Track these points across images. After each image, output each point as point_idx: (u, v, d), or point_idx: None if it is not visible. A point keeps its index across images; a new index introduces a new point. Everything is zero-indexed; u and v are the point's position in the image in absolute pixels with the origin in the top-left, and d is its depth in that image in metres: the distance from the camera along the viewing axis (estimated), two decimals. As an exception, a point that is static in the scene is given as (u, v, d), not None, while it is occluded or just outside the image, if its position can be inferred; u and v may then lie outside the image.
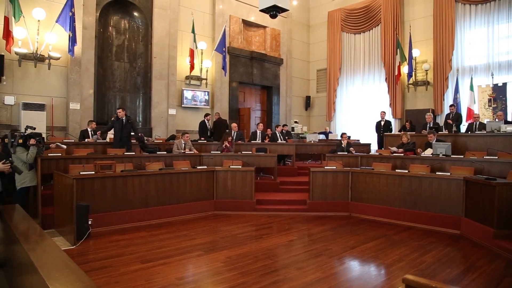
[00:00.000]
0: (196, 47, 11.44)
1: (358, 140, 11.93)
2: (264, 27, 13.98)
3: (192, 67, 11.38)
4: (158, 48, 11.07)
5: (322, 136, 12.19)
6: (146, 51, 11.12)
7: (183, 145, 8.72)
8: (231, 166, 7.71)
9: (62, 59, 9.14)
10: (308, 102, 15.74)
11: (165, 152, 8.45)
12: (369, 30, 13.86)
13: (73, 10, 8.61)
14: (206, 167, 7.76)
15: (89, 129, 8.75)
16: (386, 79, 13.01)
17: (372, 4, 13.52)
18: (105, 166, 6.44)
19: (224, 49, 11.74)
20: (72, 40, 8.67)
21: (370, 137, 12.00)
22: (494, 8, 10.95)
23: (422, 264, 4.58)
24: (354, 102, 14.22)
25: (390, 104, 12.84)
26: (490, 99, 10.77)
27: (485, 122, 9.04)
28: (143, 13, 10.97)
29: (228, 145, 9.04)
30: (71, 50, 8.73)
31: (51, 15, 8.72)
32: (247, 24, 13.57)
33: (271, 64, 14.20)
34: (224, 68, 11.88)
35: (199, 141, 10.12)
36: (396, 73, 12.43)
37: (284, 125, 11.76)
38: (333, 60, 14.69)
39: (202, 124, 10.75)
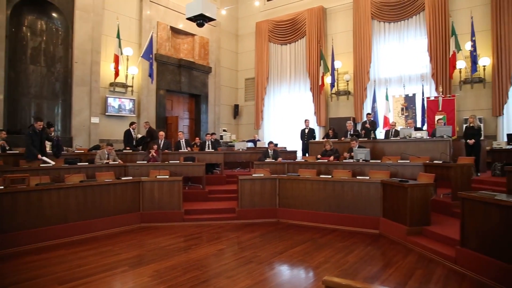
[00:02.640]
0: (122, 53, 11.04)
1: (285, 148, 12.29)
2: (193, 35, 13.91)
3: (117, 74, 10.95)
4: (80, 53, 10.47)
5: (250, 144, 12.37)
6: (66, 55, 10.45)
7: (107, 155, 8.34)
8: (158, 176, 7.53)
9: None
10: (236, 111, 15.91)
11: (87, 163, 8.02)
12: (295, 42, 14.42)
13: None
14: (131, 178, 7.49)
15: (-2, 139, 8.01)
16: (310, 88, 13.61)
17: (298, 17, 14.09)
18: (17, 179, 5.94)
19: (151, 56, 11.47)
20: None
21: (296, 144, 12.41)
22: (405, 26, 12.03)
23: (345, 264, 4.83)
24: (281, 111, 14.66)
25: (315, 113, 13.44)
26: (403, 108, 11.76)
27: (399, 129, 9.82)
28: (63, 14, 10.31)
29: (154, 154, 8.82)
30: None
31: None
32: (175, 31, 13.40)
33: (200, 72, 14.14)
34: (151, 75, 11.60)
35: (124, 150, 9.73)
36: (320, 83, 13.07)
37: (212, 134, 11.76)
38: (261, 70, 15.03)
39: (128, 133, 10.34)
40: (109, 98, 11.14)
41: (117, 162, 8.46)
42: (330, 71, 12.84)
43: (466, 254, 4.47)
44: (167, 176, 7.65)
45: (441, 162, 7.28)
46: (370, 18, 12.47)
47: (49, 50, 10.29)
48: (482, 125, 9.98)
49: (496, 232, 4.02)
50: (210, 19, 7.02)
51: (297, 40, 14.30)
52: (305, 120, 11.97)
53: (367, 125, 10.36)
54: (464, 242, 4.53)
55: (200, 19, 6.77)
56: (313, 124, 13.03)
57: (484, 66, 10.53)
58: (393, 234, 6.09)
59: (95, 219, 6.56)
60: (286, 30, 14.48)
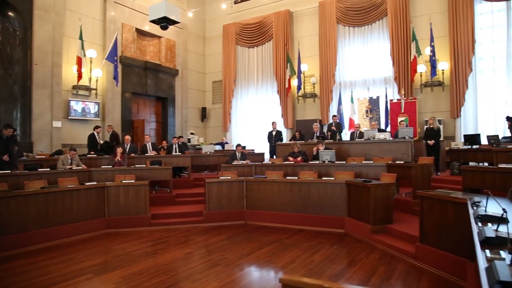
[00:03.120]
0: (85, 55, 10.76)
1: (253, 150, 12.35)
2: (159, 37, 13.75)
3: (80, 76, 10.66)
4: (40, 54, 10.09)
5: (218, 147, 12.35)
6: (25, 56, 10.03)
7: (70, 160, 8.11)
8: (123, 181, 7.39)
9: None
10: (204, 113, 15.84)
11: (49, 169, 7.77)
12: (262, 45, 14.52)
13: None
14: (95, 183, 7.32)
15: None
16: (278, 91, 13.74)
17: (265, 21, 14.21)
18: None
19: (115, 58, 11.24)
20: None
21: (264, 147, 12.49)
22: (369, 30, 12.36)
23: (311, 264, 4.92)
24: (249, 113, 14.71)
25: (282, 115, 13.59)
26: (367, 110, 12.08)
27: (363, 131, 10.08)
28: (21, 14, 9.91)
29: (119, 159, 8.65)
30: None
31: None
32: (141, 33, 13.20)
33: (166, 75, 13.99)
34: (115, 78, 11.36)
35: (88, 155, 9.50)
36: (287, 85, 13.22)
37: (180, 137, 11.65)
38: (228, 72, 15.04)
39: (91, 137, 10.11)
40: (71, 102, 10.81)
41: (81, 167, 8.25)
42: (296, 74, 13.02)
43: (425, 249, 4.66)
44: (133, 181, 7.53)
45: (402, 162, 7.53)
46: (336, 22, 12.75)
47: (5, 51, 9.87)
48: (441, 126, 10.41)
49: (451, 227, 4.22)
50: (174, 22, 6.97)
51: (264, 43, 14.41)
52: (272, 123, 12.08)
53: (333, 127, 10.58)
54: (423, 239, 4.72)
55: (164, 22, 6.71)
56: (281, 127, 13.15)
57: (443, 70, 10.98)
58: (357, 233, 6.25)
59: (58, 226, 6.37)
60: (253, 33, 14.57)
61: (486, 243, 2.18)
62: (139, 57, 13.02)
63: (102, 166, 8.62)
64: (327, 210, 6.85)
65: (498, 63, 10.36)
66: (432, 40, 10.79)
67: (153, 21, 6.89)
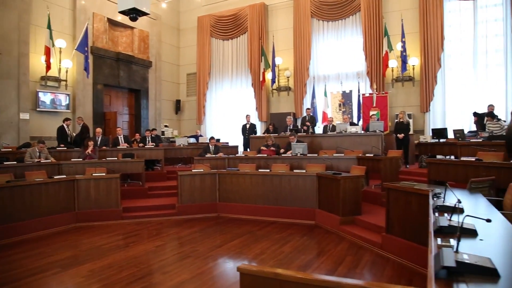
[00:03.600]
0: (53, 45, 10.44)
1: (228, 143, 12.35)
2: (132, 28, 13.48)
3: (48, 67, 10.34)
4: (5, 43, 9.69)
5: (193, 140, 12.28)
6: (-12, 45, 9.67)
7: (38, 153, 7.91)
8: (94, 174, 7.28)
9: None
10: (178, 106, 15.69)
11: (15, 162, 7.56)
12: (237, 37, 14.47)
13: None
14: (65, 176, 7.17)
15: None
16: (252, 84, 13.76)
17: (240, 13, 14.15)
18: None
19: (86, 48, 10.95)
20: None
21: (239, 140, 12.50)
22: (342, 25, 12.51)
23: (281, 255, 5.01)
24: (223, 106, 14.67)
25: (256, 108, 13.62)
26: (340, 104, 12.26)
27: (336, 124, 10.23)
28: (-17, 0, 9.53)
29: (90, 152, 8.50)
30: None
31: None
32: (113, 23, 12.91)
33: (140, 67, 13.77)
34: (86, 69, 11.09)
35: (57, 148, 9.28)
36: (261, 79, 13.25)
37: (153, 129, 11.53)
38: (203, 65, 14.93)
39: (61, 130, 9.86)
40: (40, 93, 10.49)
41: (50, 161, 8.06)
42: (271, 67, 13.06)
43: (390, 239, 4.81)
44: (104, 174, 7.42)
45: (372, 155, 7.71)
46: (310, 17, 12.83)
47: (-33, 40, 9.48)
48: (411, 120, 10.70)
49: (415, 218, 4.37)
50: (144, 14, 6.83)
51: (239, 36, 14.37)
52: (246, 116, 12.11)
53: (307, 122, 10.69)
54: (389, 229, 4.87)
55: (134, 13, 6.57)
56: (255, 120, 13.19)
57: (413, 65, 11.26)
58: (327, 224, 6.38)
59: (25, 221, 6.22)
60: (228, 26, 14.49)
61: (440, 231, 2.29)
62: (111, 48, 12.74)
63: (72, 159, 8.45)
64: (299, 202, 6.95)
65: (465, 60, 10.71)
66: (403, 36, 11.03)
67: (122, 12, 6.73)
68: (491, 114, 8.47)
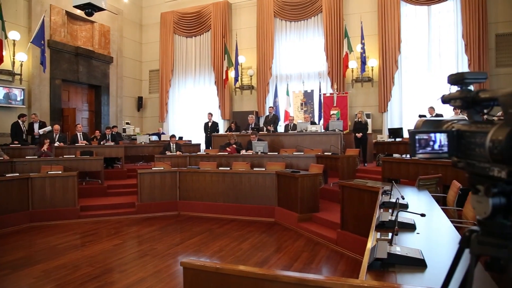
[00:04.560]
0: (6, 37, 9.96)
1: (190, 141, 12.29)
2: (92, 22, 13.09)
3: (1, 60, 9.88)
4: (-48, 34, 9.23)
5: (155, 137, 12.13)
6: None
7: (-11, 150, 7.58)
8: (49, 172, 7.07)
9: None
10: (140, 103, 15.41)
11: (-37, 160, 7.23)
12: (200, 35, 14.39)
13: None
14: (18, 174, 6.92)
15: None
16: (215, 82, 13.73)
17: (203, 11, 14.07)
18: None
19: (43, 42, 10.54)
20: None
21: (202, 138, 12.45)
22: (305, 26, 12.72)
23: (239, 252, 5.08)
24: (186, 104, 14.55)
25: (219, 106, 13.62)
26: (302, 103, 12.48)
27: (297, 123, 10.41)
28: None
29: (46, 149, 8.24)
30: None
31: None
32: (72, 16, 12.49)
33: (100, 62, 13.41)
34: (43, 63, 10.67)
35: (11, 145, 8.92)
36: (224, 77, 13.26)
37: (113, 127, 11.28)
38: (166, 62, 14.74)
39: (15, 126, 9.46)
40: (-8, 87, 10.02)
41: (2, 158, 7.74)
42: (234, 66, 13.09)
43: (344, 235, 5.00)
44: (61, 172, 7.22)
45: (330, 154, 7.92)
46: (273, 16, 12.96)
47: None
48: (370, 120, 11.05)
49: (367, 214, 4.55)
50: (101, 9, 6.69)
51: (203, 33, 14.30)
52: (208, 114, 12.07)
53: (270, 126, 10.81)
54: (343, 225, 5.05)
55: (89, 8, 6.42)
56: (218, 118, 13.19)
57: (372, 67, 11.63)
58: (286, 221, 6.52)
59: (-27, 220, 5.97)
60: (192, 23, 14.39)
61: (382, 226, 2.43)
62: (69, 42, 12.33)
63: (27, 157, 8.15)
64: (258, 200, 7.06)
65: (421, 63, 11.19)
66: (362, 38, 11.36)
67: (77, 7, 6.55)
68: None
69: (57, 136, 9.40)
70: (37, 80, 11.16)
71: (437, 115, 8.92)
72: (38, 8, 11.19)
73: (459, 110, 8.59)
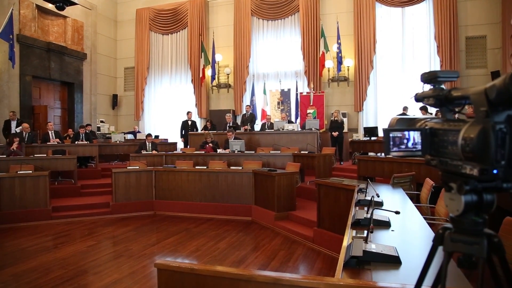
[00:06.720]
0: (-28, 31, 9.61)
1: (167, 139, 12.14)
2: (64, 17, 12.71)
3: (-34, 55, 9.51)
4: None
5: (130, 136, 11.93)
6: None
7: (-46, 148, 7.27)
8: (19, 172, 6.84)
9: None
10: (115, 101, 15.09)
11: None
12: (177, 32, 14.22)
13: None
14: (-15, 174, 6.68)
15: None
16: (192, 80, 13.62)
17: (180, 8, 13.92)
18: None
19: (11, 36, 10.17)
20: None
21: (178, 136, 12.31)
22: (282, 25, 12.77)
23: (216, 251, 5.05)
24: (162, 102, 14.36)
25: (196, 105, 13.51)
26: (279, 102, 12.52)
27: (274, 122, 10.44)
28: None
29: (15, 148, 7.97)
30: None
31: None
32: (42, 11, 12.08)
33: (73, 59, 13.06)
34: (12, 58, 10.30)
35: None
36: (201, 75, 13.15)
37: (87, 125, 11.01)
38: (141, 59, 14.51)
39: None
40: (-42, 83, 9.62)
41: (-32, 157, 7.45)
42: (211, 64, 13.01)
43: (321, 233, 5.04)
44: (31, 171, 7.00)
45: (307, 152, 7.98)
46: (250, 15, 12.94)
47: None
48: (346, 119, 11.19)
49: (342, 212, 4.60)
50: (72, 3, 6.50)
51: (179, 31, 14.13)
52: (188, 112, 11.93)
53: (247, 125, 10.80)
54: (320, 223, 5.09)
55: (60, 2, 6.22)
56: (195, 116, 13.08)
57: (348, 66, 11.78)
58: (263, 220, 6.53)
59: None
60: (168, 20, 14.20)
61: (357, 224, 2.46)
62: (40, 37, 11.95)
63: (-5, 156, 7.87)
64: (235, 199, 7.04)
65: (395, 63, 11.41)
66: (338, 37, 11.49)
67: (47, 0, 6.34)
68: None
69: (27, 134, 9.10)
70: (6, 76, 10.77)
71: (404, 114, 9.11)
72: (6, 1, 10.78)
73: (426, 111, 8.85)
